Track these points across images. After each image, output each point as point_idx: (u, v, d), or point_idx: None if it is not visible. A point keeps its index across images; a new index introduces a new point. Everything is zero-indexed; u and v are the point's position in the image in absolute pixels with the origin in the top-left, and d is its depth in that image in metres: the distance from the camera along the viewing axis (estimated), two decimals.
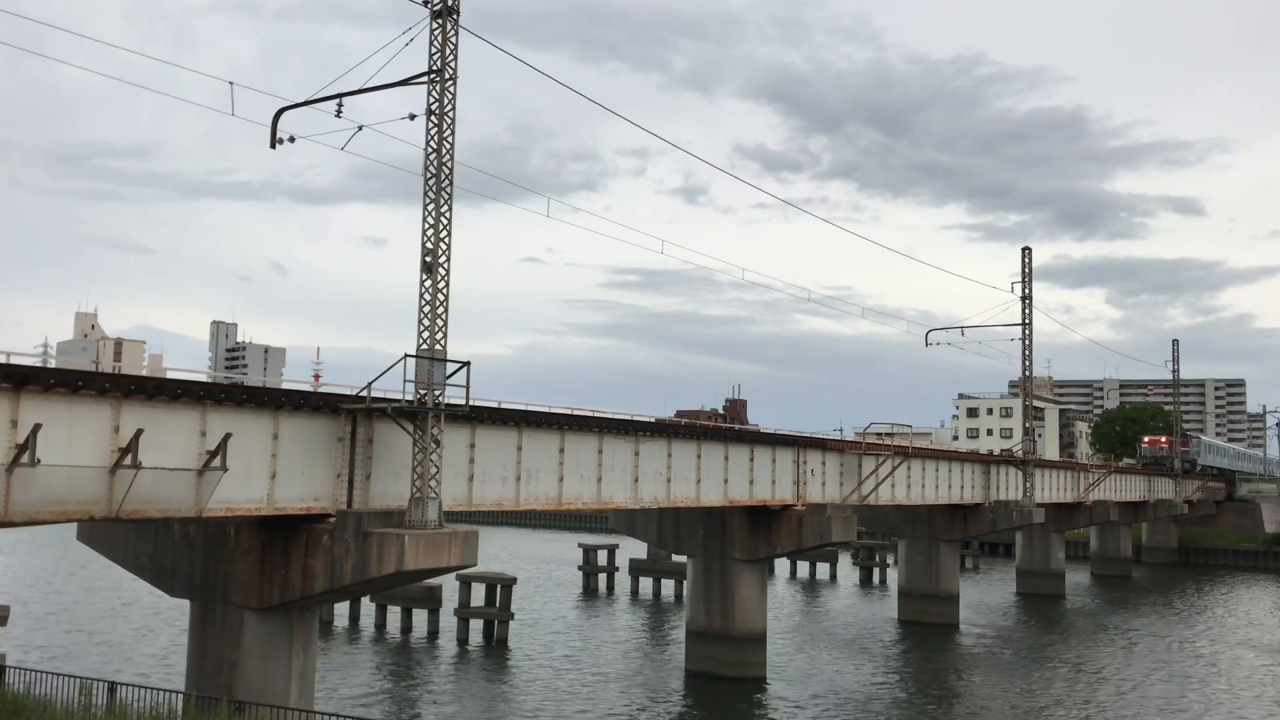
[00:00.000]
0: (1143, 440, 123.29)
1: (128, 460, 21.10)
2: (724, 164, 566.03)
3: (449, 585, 55.27)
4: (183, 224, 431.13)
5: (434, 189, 25.83)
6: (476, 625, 54.37)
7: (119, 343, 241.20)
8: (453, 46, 26.24)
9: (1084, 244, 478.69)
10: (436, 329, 25.66)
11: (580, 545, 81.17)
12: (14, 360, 20.67)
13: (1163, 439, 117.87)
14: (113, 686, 20.97)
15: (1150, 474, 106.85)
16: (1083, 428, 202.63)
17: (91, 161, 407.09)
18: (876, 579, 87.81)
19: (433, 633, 54.23)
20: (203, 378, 25.97)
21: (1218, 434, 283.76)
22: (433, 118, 25.96)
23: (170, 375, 24.26)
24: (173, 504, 22.57)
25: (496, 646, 51.91)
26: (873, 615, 67.56)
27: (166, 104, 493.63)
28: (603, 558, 78.74)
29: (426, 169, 25.93)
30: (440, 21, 26.22)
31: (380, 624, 55.43)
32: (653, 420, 39.37)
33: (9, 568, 78.58)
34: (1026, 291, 66.57)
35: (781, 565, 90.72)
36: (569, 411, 34.46)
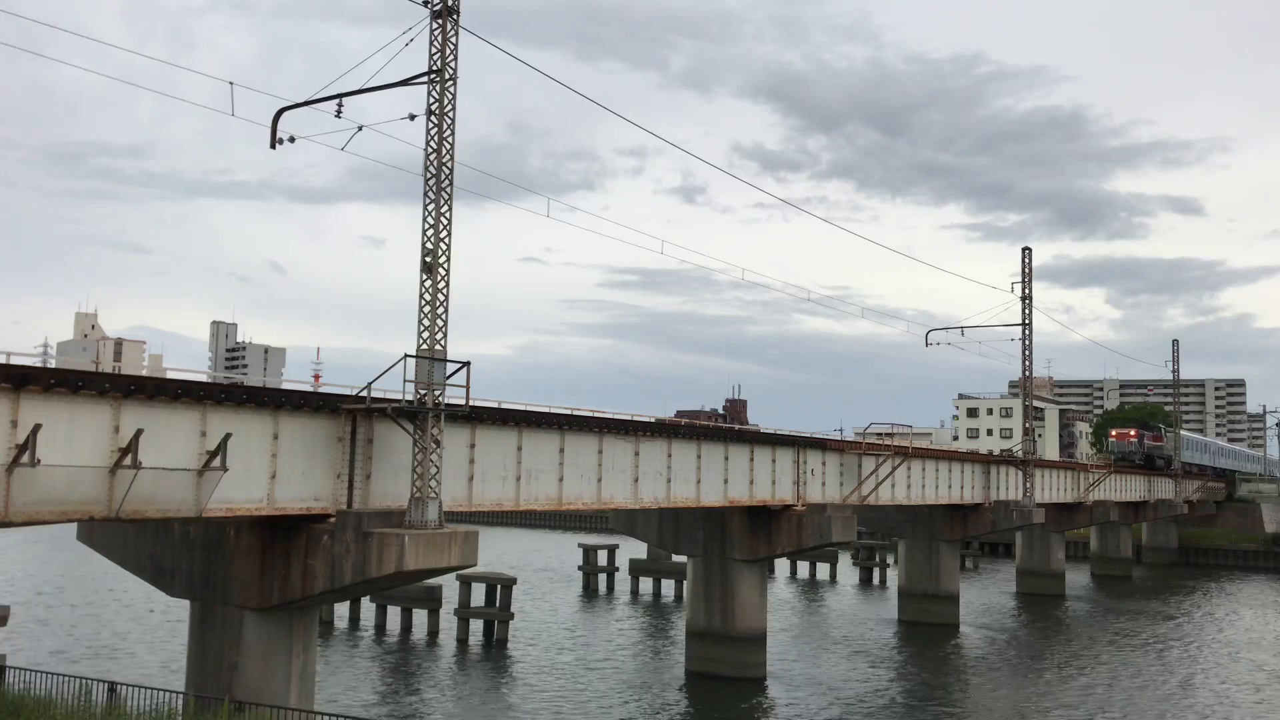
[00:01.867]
0: (1109, 434, 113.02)
1: (128, 460, 21.09)
2: (722, 163, 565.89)
3: (449, 585, 55.26)
4: (181, 224, 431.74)
5: (434, 189, 25.83)
6: (476, 625, 54.36)
7: (119, 343, 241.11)
8: (453, 46, 26.24)
9: (1083, 244, 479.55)
10: (436, 329, 25.66)
11: (580, 545, 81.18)
12: (14, 360, 20.67)
13: (1131, 432, 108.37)
14: (113, 686, 20.96)
15: (1150, 474, 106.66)
16: (1083, 428, 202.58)
17: (88, 161, 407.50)
18: (876, 579, 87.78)
19: (433, 633, 54.22)
20: (203, 378, 25.97)
21: (1218, 434, 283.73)
22: (433, 118, 25.96)
23: (170, 375, 24.26)
24: (173, 504, 22.57)
25: (496, 646, 51.91)
26: (873, 615, 67.55)
27: (166, 104, 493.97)
28: (603, 558, 78.74)
29: (426, 169, 25.93)
30: (440, 21, 26.22)
31: (380, 624, 55.42)
32: (653, 420, 39.36)
33: (9, 569, 78.57)
34: (1026, 292, 66.57)
35: (781, 565, 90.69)
36: (569, 411, 34.46)
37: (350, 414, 26.42)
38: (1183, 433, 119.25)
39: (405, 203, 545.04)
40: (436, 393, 25.48)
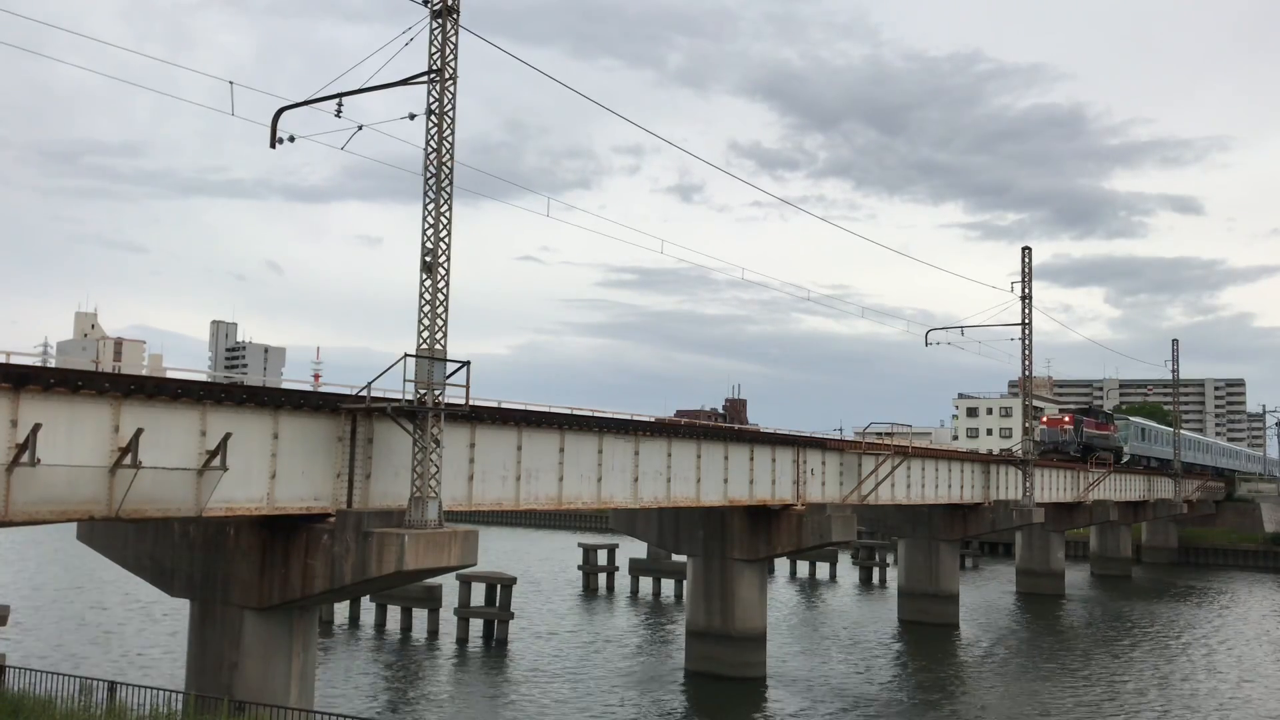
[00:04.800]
0: (1040, 420, 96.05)
1: (128, 460, 21.09)
2: (719, 162, 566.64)
3: (449, 585, 55.26)
4: (177, 222, 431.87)
5: (434, 189, 25.83)
6: (476, 625, 54.36)
7: (119, 342, 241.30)
8: (453, 46, 26.23)
9: (1082, 243, 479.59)
10: (436, 329, 25.65)
11: (580, 545, 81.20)
12: (14, 360, 20.66)
13: (1065, 419, 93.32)
14: (113, 686, 20.97)
15: (1149, 474, 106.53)
16: None
17: (83, 159, 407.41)
18: (876, 579, 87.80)
19: (433, 633, 54.23)
20: (203, 377, 25.96)
21: (1218, 433, 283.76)
22: (433, 117, 25.95)
23: (170, 375, 24.26)
24: (173, 504, 22.57)
25: (496, 646, 51.90)
26: (873, 615, 67.55)
27: (165, 103, 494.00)
28: (603, 557, 78.76)
29: (426, 169, 25.92)
30: (440, 21, 26.21)
31: (380, 624, 55.42)
32: (653, 420, 39.37)
33: (9, 568, 78.56)
34: (1026, 291, 66.56)
35: (781, 565, 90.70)
36: (569, 411, 34.45)
37: (350, 413, 26.42)
38: (1136, 420, 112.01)
39: (401, 201, 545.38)
40: (436, 392, 25.48)
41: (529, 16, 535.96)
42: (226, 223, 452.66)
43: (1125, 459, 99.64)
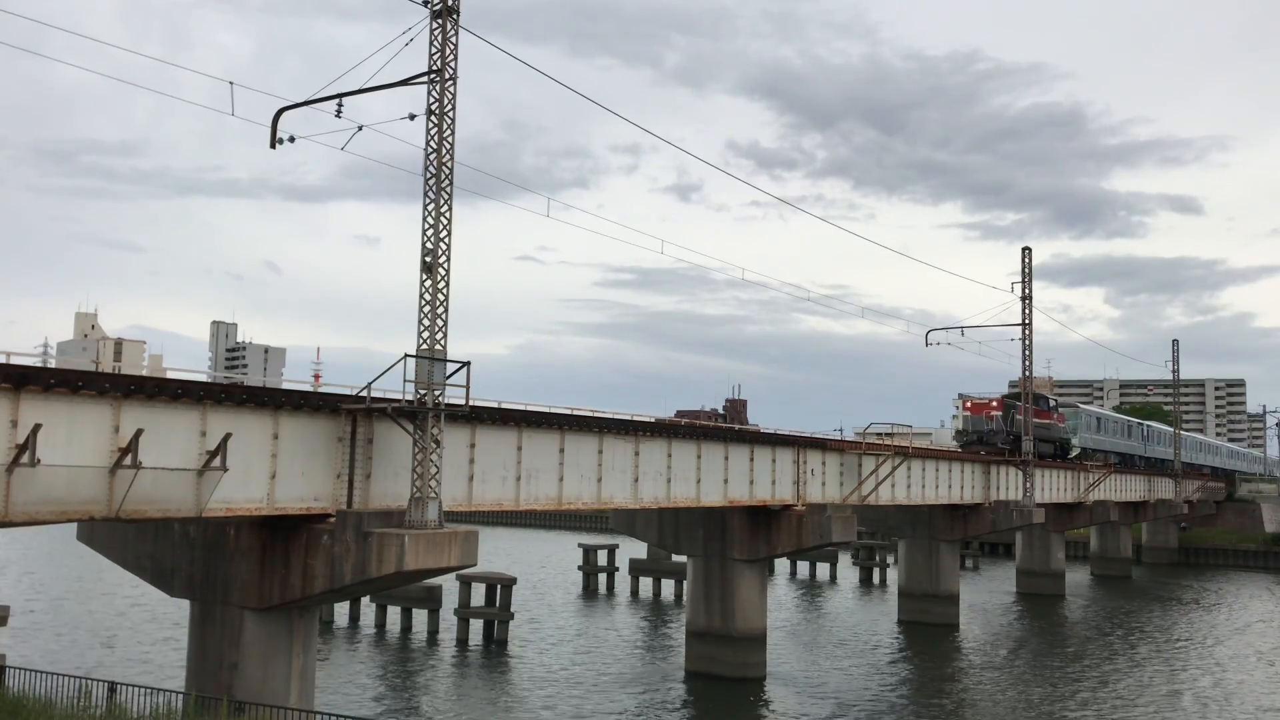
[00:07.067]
0: (964, 405, 78.67)
1: (128, 460, 21.09)
2: (717, 161, 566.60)
3: (449, 585, 55.26)
4: (174, 222, 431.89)
5: (434, 189, 25.82)
6: (476, 625, 54.35)
7: (119, 343, 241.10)
8: (453, 46, 26.23)
9: (1082, 243, 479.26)
10: (436, 329, 25.65)
11: (580, 545, 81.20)
12: (14, 360, 20.67)
13: (993, 403, 74.21)
14: (112, 686, 20.96)
15: (1150, 474, 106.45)
16: None
17: (79, 158, 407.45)
18: (876, 579, 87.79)
19: (433, 633, 54.23)
20: (203, 378, 25.96)
21: (1218, 434, 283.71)
22: (433, 118, 25.95)
23: (170, 375, 24.26)
24: (173, 504, 22.56)
25: (496, 646, 51.91)
26: (873, 615, 67.55)
27: (164, 103, 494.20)
28: (603, 558, 78.76)
29: (426, 169, 25.92)
30: (440, 21, 26.21)
31: (380, 624, 55.43)
32: (653, 420, 39.37)
33: (8, 569, 78.56)
34: (1027, 292, 66.55)
35: (781, 565, 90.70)
36: (569, 411, 34.46)
37: (350, 414, 26.42)
38: (1086, 409, 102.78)
39: (399, 201, 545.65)
40: (436, 393, 25.48)
41: (526, 15, 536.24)
42: (224, 222, 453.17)
43: (1074, 453, 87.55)
